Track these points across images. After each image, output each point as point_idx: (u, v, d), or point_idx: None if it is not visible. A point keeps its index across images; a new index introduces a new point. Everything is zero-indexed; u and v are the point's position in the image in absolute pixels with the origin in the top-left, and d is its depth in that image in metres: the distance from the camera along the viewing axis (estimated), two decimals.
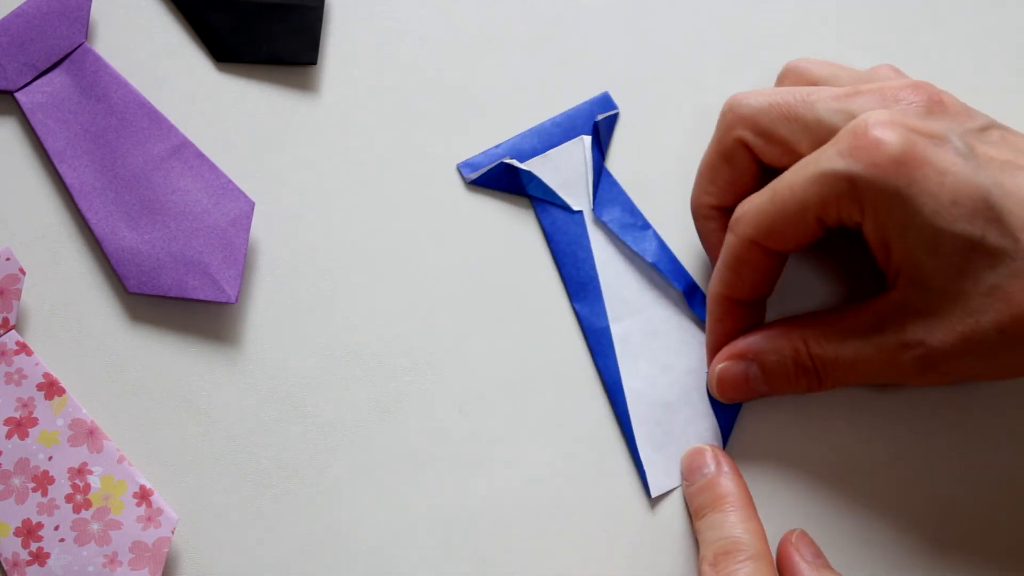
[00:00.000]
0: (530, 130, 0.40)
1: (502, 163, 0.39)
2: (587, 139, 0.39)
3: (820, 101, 0.34)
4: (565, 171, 0.39)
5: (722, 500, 0.35)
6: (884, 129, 0.32)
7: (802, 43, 0.41)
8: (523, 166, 0.39)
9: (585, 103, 0.40)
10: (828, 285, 0.39)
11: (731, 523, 0.35)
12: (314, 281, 0.39)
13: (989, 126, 0.33)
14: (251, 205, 0.38)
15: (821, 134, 0.33)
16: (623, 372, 0.38)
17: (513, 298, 0.39)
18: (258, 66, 0.40)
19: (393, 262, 0.39)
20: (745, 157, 0.36)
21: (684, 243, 0.39)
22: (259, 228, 0.39)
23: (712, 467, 0.36)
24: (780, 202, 0.34)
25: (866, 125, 0.32)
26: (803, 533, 0.36)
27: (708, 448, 0.37)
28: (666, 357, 0.38)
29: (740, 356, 0.36)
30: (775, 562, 0.35)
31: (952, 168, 0.31)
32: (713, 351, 0.37)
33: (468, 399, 0.38)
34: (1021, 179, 0.31)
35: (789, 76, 0.38)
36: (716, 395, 0.37)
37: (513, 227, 0.39)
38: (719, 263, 0.36)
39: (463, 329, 0.38)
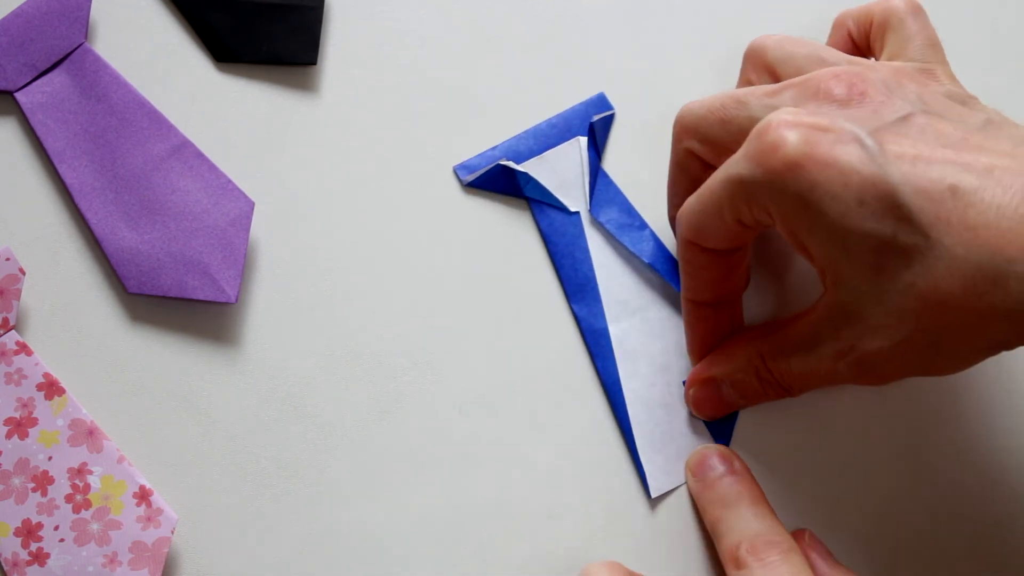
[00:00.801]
0: (526, 132, 0.40)
1: (498, 165, 0.39)
2: (583, 140, 0.39)
3: (752, 100, 0.34)
4: (561, 172, 0.39)
5: (748, 495, 0.35)
6: (784, 130, 0.30)
7: None
8: (519, 168, 0.39)
9: (581, 104, 0.40)
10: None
11: (762, 516, 0.35)
12: (314, 281, 0.39)
13: (911, 115, 0.31)
14: (251, 205, 0.38)
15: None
16: (622, 373, 0.38)
17: (513, 299, 0.39)
18: (258, 66, 0.40)
19: (393, 262, 0.39)
20: (696, 166, 0.36)
21: None
22: (259, 228, 0.39)
23: (725, 465, 0.36)
24: (702, 202, 0.33)
25: (767, 127, 0.31)
26: (812, 533, 0.36)
27: (719, 447, 0.37)
28: (665, 358, 0.38)
29: (709, 380, 0.37)
30: None
31: (857, 167, 0.30)
32: (692, 356, 0.38)
33: (468, 399, 0.38)
34: (932, 173, 0.30)
35: (750, 58, 0.37)
36: (696, 413, 0.37)
37: (512, 228, 0.39)
38: (679, 267, 0.36)
39: (463, 329, 0.38)
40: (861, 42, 0.38)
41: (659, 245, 0.39)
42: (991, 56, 0.42)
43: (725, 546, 0.34)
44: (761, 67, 0.36)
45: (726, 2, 0.42)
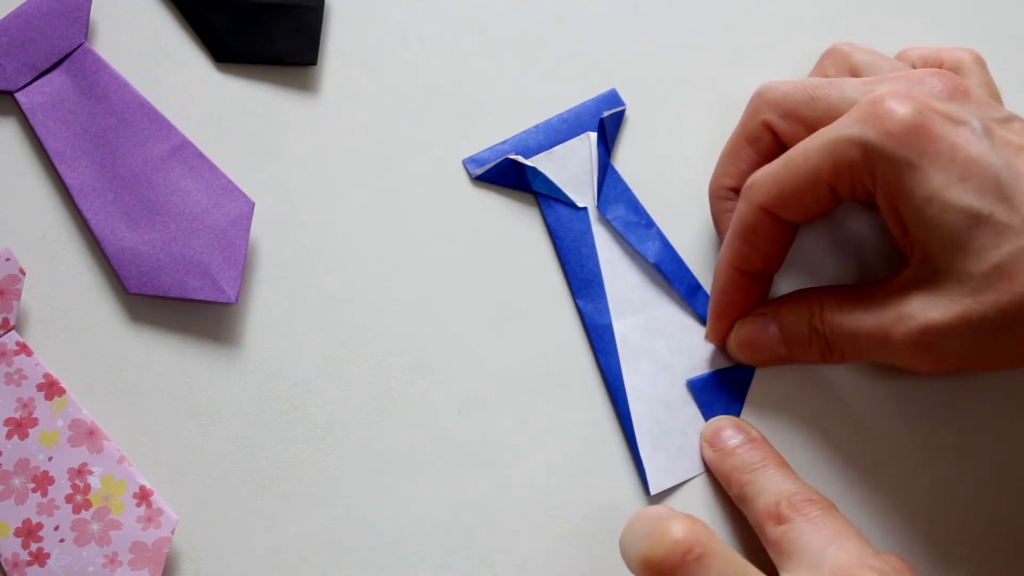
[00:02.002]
0: (536, 126, 0.40)
1: (507, 159, 0.39)
2: (593, 136, 0.39)
3: (848, 84, 0.35)
4: (570, 168, 0.39)
5: (773, 459, 0.35)
6: (900, 101, 0.32)
7: (808, 38, 0.41)
8: (528, 162, 0.39)
9: (592, 100, 0.40)
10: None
11: (793, 478, 0.35)
12: (314, 281, 0.39)
13: (1012, 118, 0.33)
14: (251, 205, 0.38)
15: (844, 111, 0.34)
16: (624, 370, 0.38)
17: (514, 298, 0.39)
18: (258, 66, 0.40)
19: (393, 262, 0.39)
20: (769, 140, 0.36)
21: (688, 242, 0.39)
22: (259, 228, 0.39)
23: (742, 434, 0.36)
24: (794, 168, 0.34)
25: (882, 96, 0.32)
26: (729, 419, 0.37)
27: (731, 418, 0.37)
28: (668, 356, 0.38)
29: (760, 314, 0.37)
30: None
31: (965, 144, 0.31)
32: (717, 323, 0.37)
33: (468, 399, 0.38)
34: None
35: (831, 56, 0.38)
36: (735, 355, 0.37)
37: (514, 227, 0.39)
38: (729, 233, 0.36)
39: (463, 328, 0.38)
40: None
41: (665, 244, 0.39)
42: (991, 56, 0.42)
43: (761, 506, 0.34)
44: (844, 67, 0.37)
45: (735, 2, 0.42)
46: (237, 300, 0.37)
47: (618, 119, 0.40)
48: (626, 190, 0.39)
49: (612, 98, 0.40)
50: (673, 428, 0.37)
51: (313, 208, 0.39)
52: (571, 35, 0.41)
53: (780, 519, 0.33)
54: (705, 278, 0.39)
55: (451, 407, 0.38)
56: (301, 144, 0.40)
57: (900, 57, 0.39)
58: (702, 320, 0.38)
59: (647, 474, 0.37)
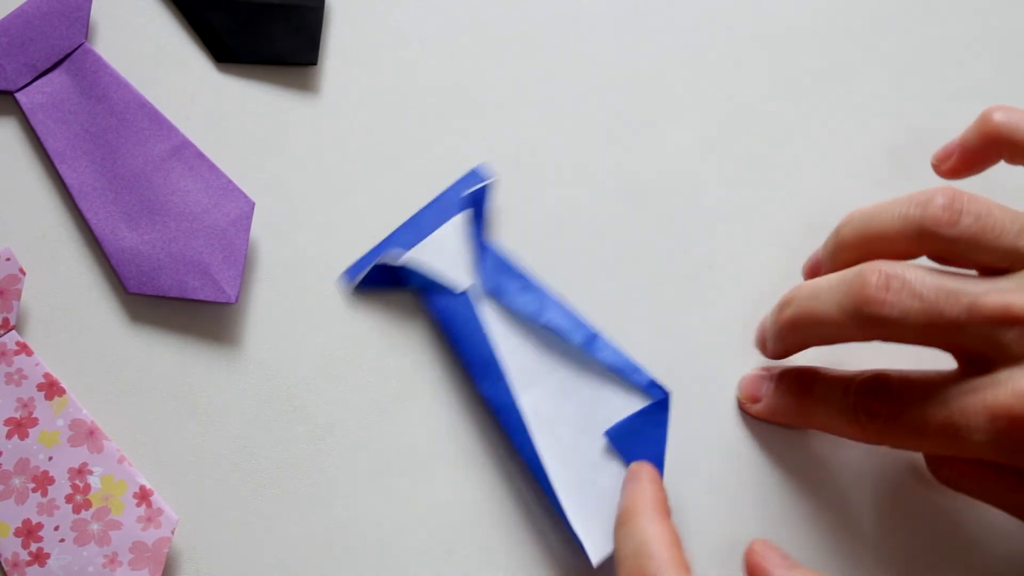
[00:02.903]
0: (403, 225, 0.39)
1: (376, 266, 0.38)
2: (459, 218, 0.38)
3: (973, 312, 0.31)
4: (445, 255, 0.38)
5: (625, 508, 0.34)
6: None
7: (824, 48, 0.41)
8: (401, 261, 0.38)
9: (456, 182, 0.39)
10: None
11: (634, 532, 0.33)
12: (314, 281, 0.39)
13: None
14: (251, 205, 0.38)
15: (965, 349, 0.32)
16: (540, 445, 0.36)
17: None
18: (258, 66, 0.40)
19: None
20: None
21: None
22: (259, 228, 0.39)
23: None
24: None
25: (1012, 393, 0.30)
26: (764, 542, 0.35)
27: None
28: (582, 419, 0.37)
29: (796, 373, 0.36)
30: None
31: None
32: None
33: (468, 399, 0.38)
34: None
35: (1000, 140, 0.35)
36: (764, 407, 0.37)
37: (519, 231, 0.39)
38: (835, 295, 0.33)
39: None
40: (1015, 163, 0.35)
41: (551, 302, 0.38)
42: (991, 56, 0.42)
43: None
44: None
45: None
46: (237, 300, 0.37)
47: (483, 193, 0.39)
48: (504, 261, 0.38)
49: (475, 176, 0.39)
50: (604, 489, 0.36)
51: (313, 208, 0.39)
52: (571, 35, 0.41)
53: None
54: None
55: (450, 407, 0.38)
56: (301, 144, 0.40)
57: (983, 127, 0.35)
58: (606, 367, 0.37)
59: (586, 547, 0.35)
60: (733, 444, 0.38)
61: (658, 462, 0.36)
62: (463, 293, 0.37)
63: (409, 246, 0.38)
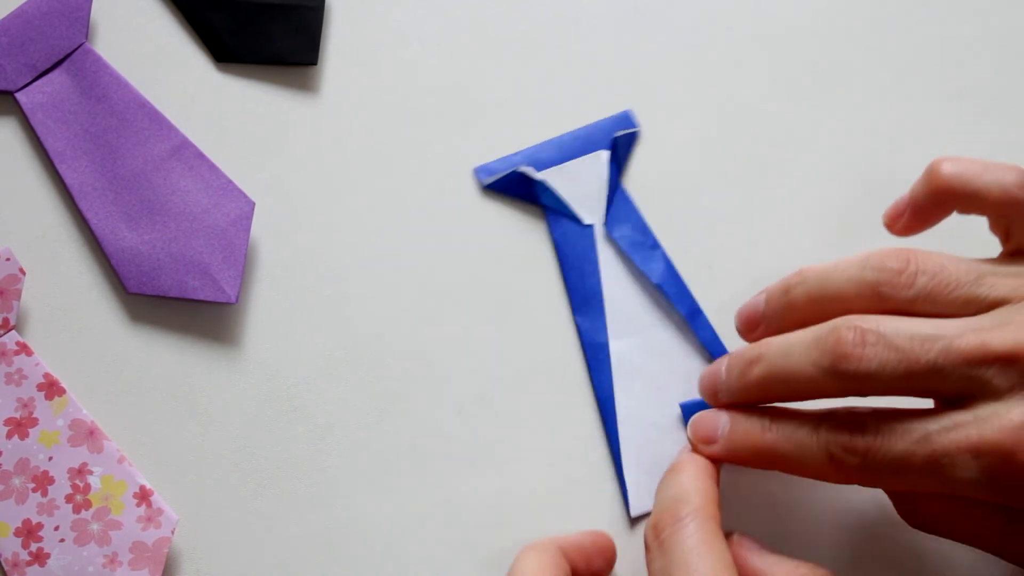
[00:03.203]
0: (549, 141, 0.40)
1: (517, 171, 0.39)
2: (604, 154, 0.39)
3: (951, 352, 0.31)
4: (580, 185, 0.39)
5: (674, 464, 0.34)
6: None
7: (824, 48, 0.41)
8: (539, 176, 0.39)
9: (606, 119, 0.40)
10: None
11: (680, 482, 0.33)
12: (314, 281, 0.39)
13: None
14: (251, 205, 0.38)
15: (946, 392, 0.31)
16: (617, 389, 0.37)
17: (513, 304, 0.39)
18: (258, 66, 0.40)
19: (393, 262, 0.39)
20: None
21: (692, 266, 0.39)
22: (259, 228, 0.39)
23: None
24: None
25: (1005, 434, 0.30)
26: (741, 534, 0.34)
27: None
28: (663, 379, 0.38)
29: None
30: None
31: None
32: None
33: (467, 399, 0.38)
34: None
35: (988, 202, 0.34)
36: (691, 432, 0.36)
37: (516, 234, 0.39)
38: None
39: (463, 330, 0.38)
40: (967, 213, 0.35)
41: (669, 266, 0.39)
42: (991, 56, 0.42)
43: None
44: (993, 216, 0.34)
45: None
46: (237, 300, 0.37)
47: (630, 140, 0.40)
48: (634, 211, 0.39)
49: (626, 119, 0.40)
50: (661, 452, 0.37)
51: (313, 208, 0.39)
52: (571, 35, 0.41)
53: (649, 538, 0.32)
54: (705, 303, 0.39)
55: (451, 407, 0.38)
56: (301, 144, 0.40)
57: (932, 182, 0.34)
58: (701, 344, 0.38)
59: (629, 496, 0.37)
60: None
61: None
62: (589, 226, 0.39)
63: (546, 164, 0.39)
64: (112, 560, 0.35)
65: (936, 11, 0.42)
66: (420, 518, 0.37)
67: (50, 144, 0.38)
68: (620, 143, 0.39)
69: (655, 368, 0.38)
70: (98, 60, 0.39)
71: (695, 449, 0.35)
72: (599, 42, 0.41)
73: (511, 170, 0.39)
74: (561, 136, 0.40)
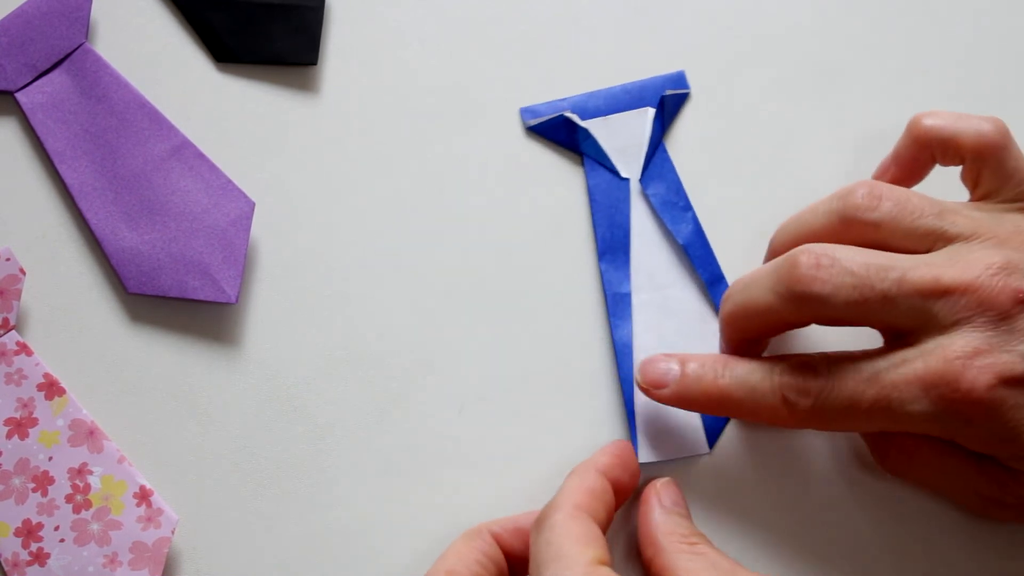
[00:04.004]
0: (598, 91, 0.40)
1: (562, 115, 0.39)
2: (651, 111, 0.40)
3: (904, 283, 0.32)
4: (622, 137, 0.40)
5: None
6: (977, 372, 0.30)
7: (824, 48, 0.41)
8: (583, 123, 0.39)
9: (659, 77, 0.41)
10: None
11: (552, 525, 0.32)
12: (314, 281, 0.39)
13: None
14: (251, 205, 0.38)
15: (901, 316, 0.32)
16: (636, 342, 0.38)
17: (514, 302, 0.39)
18: (258, 66, 0.40)
19: (393, 262, 0.39)
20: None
21: (721, 235, 0.39)
22: (259, 228, 0.39)
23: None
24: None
25: (961, 372, 0.31)
26: (669, 481, 0.35)
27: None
28: (675, 338, 0.38)
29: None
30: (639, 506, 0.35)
31: None
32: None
33: (468, 399, 0.38)
34: None
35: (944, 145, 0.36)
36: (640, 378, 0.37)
37: (516, 233, 0.39)
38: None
39: (463, 329, 0.38)
40: (946, 163, 0.36)
41: (698, 229, 0.39)
42: (991, 56, 0.42)
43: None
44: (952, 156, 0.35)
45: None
46: (237, 300, 0.37)
47: (680, 101, 0.40)
48: (671, 171, 0.40)
49: (678, 79, 0.41)
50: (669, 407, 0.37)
51: (313, 208, 0.39)
52: (571, 35, 0.41)
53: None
54: (729, 271, 0.39)
55: (451, 407, 0.38)
56: (301, 144, 0.40)
57: (913, 132, 0.36)
58: (717, 310, 0.38)
59: (638, 443, 0.37)
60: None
61: (720, 421, 0.37)
62: (625, 179, 0.39)
63: (592, 114, 0.40)
64: (112, 560, 0.35)
65: (936, 11, 0.42)
66: (420, 518, 0.37)
67: (50, 144, 0.38)
68: (668, 102, 0.40)
69: (669, 327, 0.38)
70: (98, 60, 0.39)
71: (646, 392, 0.35)
72: (599, 42, 0.41)
73: (556, 114, 0.40)
74: (611, 88, 0.40)
